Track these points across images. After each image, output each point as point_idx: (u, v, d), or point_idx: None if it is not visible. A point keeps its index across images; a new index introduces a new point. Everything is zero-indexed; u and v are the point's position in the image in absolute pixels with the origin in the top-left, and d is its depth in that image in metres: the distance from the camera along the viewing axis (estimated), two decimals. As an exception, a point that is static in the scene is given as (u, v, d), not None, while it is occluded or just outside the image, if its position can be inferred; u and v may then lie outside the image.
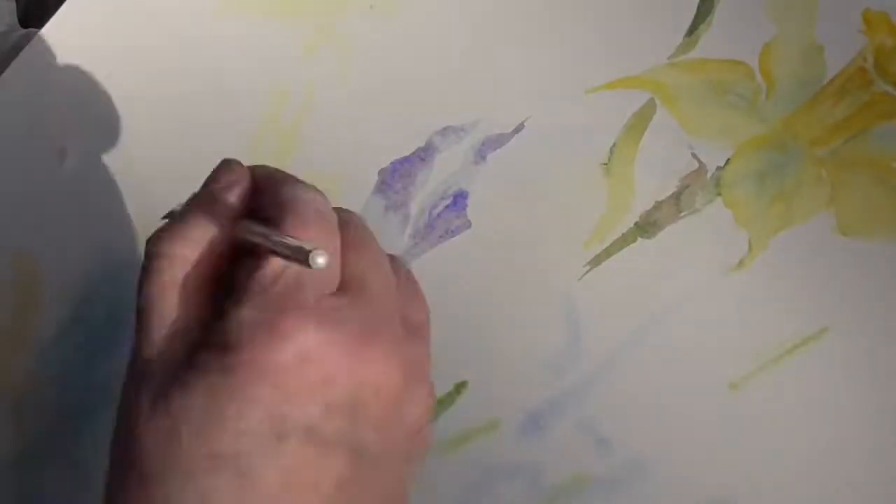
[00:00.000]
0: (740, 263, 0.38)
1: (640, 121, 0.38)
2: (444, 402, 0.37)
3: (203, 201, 0.29)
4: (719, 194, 0.38)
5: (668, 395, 0.37)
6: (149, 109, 0.37)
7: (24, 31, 0.44)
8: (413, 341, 0.28)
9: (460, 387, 0.37)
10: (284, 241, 0.26)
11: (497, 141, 0.38)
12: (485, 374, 0.37)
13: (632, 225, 0.38)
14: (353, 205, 0.37)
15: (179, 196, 0.37)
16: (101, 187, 0.37)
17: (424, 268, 0.37)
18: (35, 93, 0.37)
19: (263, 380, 0.25)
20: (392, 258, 0.29)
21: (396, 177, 0.38)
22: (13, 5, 0.46)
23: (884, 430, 0.37)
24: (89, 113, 0.37)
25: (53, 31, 0.37)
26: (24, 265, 0.36)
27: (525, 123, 0.38)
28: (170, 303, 0.27)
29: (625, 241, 0.38)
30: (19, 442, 0.36)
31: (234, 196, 0.29)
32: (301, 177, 0.28)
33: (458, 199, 0.38)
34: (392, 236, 0.37)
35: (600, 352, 0.38)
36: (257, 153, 0.37)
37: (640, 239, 0.38)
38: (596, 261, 0.38)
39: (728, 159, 0.38)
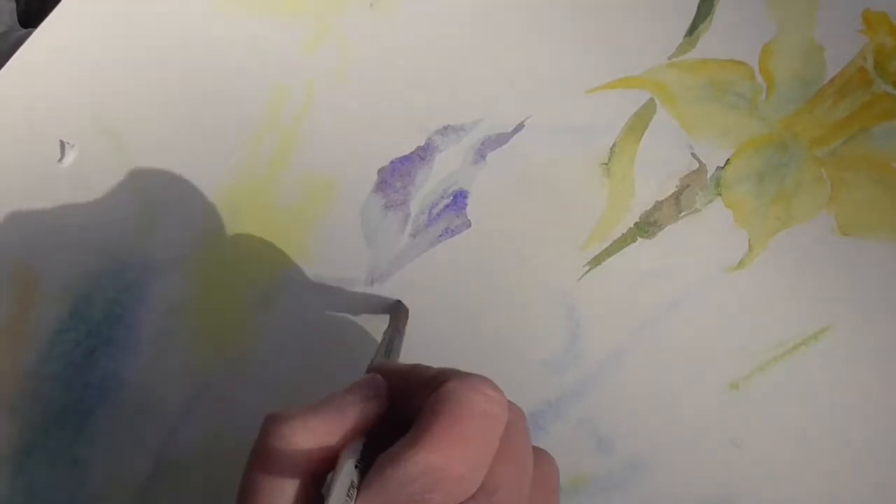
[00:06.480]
0: (740, 263, 0.38)
1: (640, 121, 0.38)
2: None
3: (336, 400, 0.28)
4: (719, 194, 0.38)
5: (668, 395, 0.37)
6: (148, 108, 0.37)
7: (24, 31, 0.44)
8: None
9: (460, 386, 0.37)
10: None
11: (497, 140, 0.38)
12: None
13: (632, 225, 0.38)
14: (353, 204, 0.37)
15: (179, 195, 0.37)
16: (101, 186, 0.37)
17: (424, 267, 0.37)
18: (34, 92, 0.37)
19: None
20: (541, 456, 0.29)
21: (396, 176, 0.38)
22: (13, 5, 0.46)
23: (883, 429, 0.37)
24: (88, 112, 0.37)
25: (51, 30, 0.37)
26: (23, 263, 0.36)
27: (525, 123, 0.38)
28: (276, 492, 0.26)
29: (625, 241, 0.38)
30: (18, 439, 0.36)
31: (367, 404, 0.28)
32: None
33: (458, 199, 0.38)
34: (392, 235, 0.37)
35: (600, 352, 0.37)
36: (257, 153, 0.37)
37: (640, 239, 0.38)
38: (596, 261, 0.38)
39: (728, 159, 0.38)
